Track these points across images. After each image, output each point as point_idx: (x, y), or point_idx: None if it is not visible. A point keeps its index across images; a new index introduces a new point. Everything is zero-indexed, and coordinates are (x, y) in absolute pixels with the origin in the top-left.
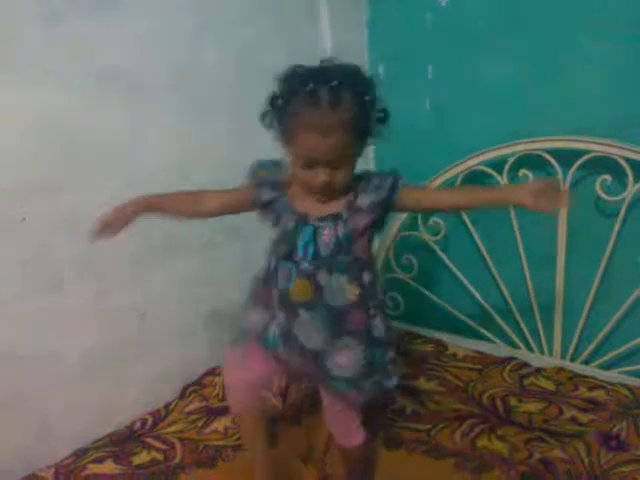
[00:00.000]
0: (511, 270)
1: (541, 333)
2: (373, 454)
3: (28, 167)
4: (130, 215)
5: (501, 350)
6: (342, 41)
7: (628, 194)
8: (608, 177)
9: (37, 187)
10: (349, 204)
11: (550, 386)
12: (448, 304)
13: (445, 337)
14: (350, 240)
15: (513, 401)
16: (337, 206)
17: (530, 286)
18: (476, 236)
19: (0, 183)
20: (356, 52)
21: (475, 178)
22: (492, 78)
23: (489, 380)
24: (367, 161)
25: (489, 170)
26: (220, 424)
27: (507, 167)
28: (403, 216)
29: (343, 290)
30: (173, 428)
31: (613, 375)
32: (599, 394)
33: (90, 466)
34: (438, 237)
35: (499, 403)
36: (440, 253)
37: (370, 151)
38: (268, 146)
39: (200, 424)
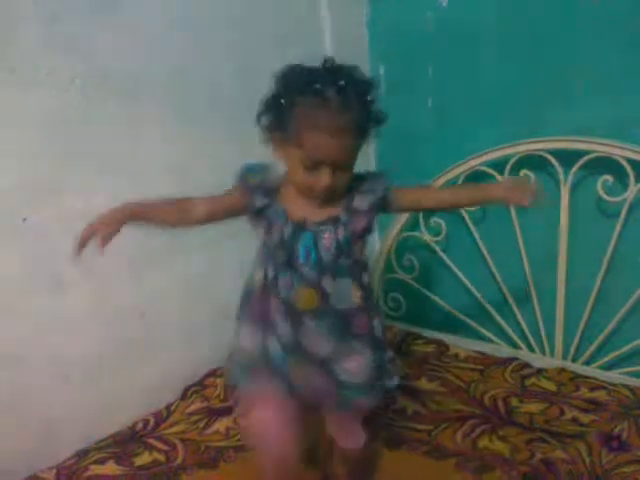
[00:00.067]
0: (512, 270)
1: (542, 334)
2: (374, 454)
3: (29, 167)
4: (116, 225)
5: (502, 351)
6: (343, 41)
7: (629, 194)
8: (609, 177)
9: (38, 188)
10: (347, 206)
11: (551, 387)
12: (449, 304)
13: (446, 338)
14: (350, 243)
15: (514, 402)
16: (335, 209)
17: (531, 287)
18: (477, 236)
19: (1, 183)
20: (357, 52)
21: (476, 178)
22: (493, 78)
23: (490, 381)
24: (368, 161)
25: (490, 170)
26: (222, 425)
27: (508, 167)
28: (404, 217)
29: (348, 294)
30: (175, 429)
31: (614, 376)
32: (600, 395)
33: (92, 467)
34: (439, 237)
35: (500, 404)
36: (441, 253)
37: (371, 151)
38: (267, 148)
39: (202, 425)
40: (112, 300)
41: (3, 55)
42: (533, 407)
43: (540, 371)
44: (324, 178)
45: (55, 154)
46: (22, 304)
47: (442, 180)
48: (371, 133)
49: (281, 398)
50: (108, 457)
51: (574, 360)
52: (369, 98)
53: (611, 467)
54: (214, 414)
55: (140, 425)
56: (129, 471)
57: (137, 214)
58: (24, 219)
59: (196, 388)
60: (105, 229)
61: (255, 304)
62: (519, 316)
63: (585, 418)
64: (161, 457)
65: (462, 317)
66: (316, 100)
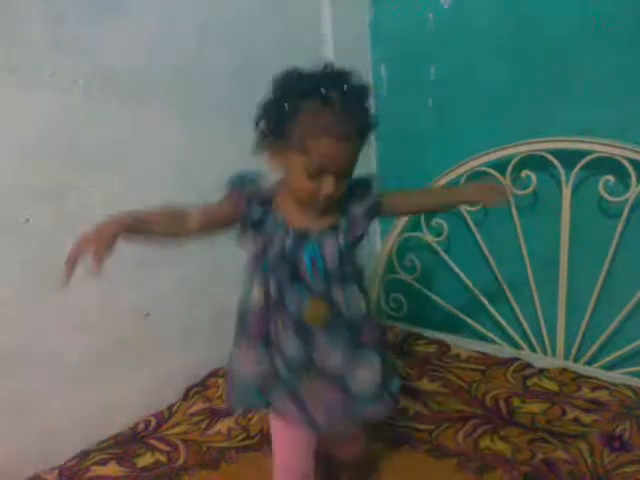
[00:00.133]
0: (514, 271)
1: (544, 334)
2: (372, 454)
3: (32, 168)
4: (108, 241)
5: (504, 351)
6: (345, 42)
7: (631, 195)
8: (611, 178)
9: (41, 188)
10: (346, 213)
11: (553, 387)
12: (451, 305)
13: (448, 338)
14: (350, 249)
15: (516, 402)
16: (333, 217)
17: (533, 287)
18: (479, 237)
19: (4, 184)
20: (359, 53)
21: (478, 179)
22: (494, 78)
23: (492, 381)
24: (369, 162)
25: (492, 171)
26: (223, 425)
27: (510, 168)
28: (405, 217)
29: (357, 301)
30: (176, 430)
31: (616, 376)
32: (602, 395)
33: (93, 468)
34: (441, 238)
35: (502, 404)
36: (443, 254)
37: (372, 152)
38: (262, 155)
39: (203, 426)
40: (114, 301)
41: (6, 55)
42: (535, 407)
43: (542, 371)
44: (328, 185)
45: (58, 154)
46: (24, 304)
47: (443, 181)
48: (369, 139)
49: (298, 424)
50: (110, 458)
51: (576, 360)
52: (368, 103)
53: (613, 467)
54: (216, 415)
55: (142, 426)
56: (131, 472)
57: (129, 226)
58: (27, 220)
59: (198, 389)
60: (97, 246)
61: (255, 325)
62: (521, 316)
63: (587, 418)
64: (163, 458)
65: (464, 317)
66: (322, 105)
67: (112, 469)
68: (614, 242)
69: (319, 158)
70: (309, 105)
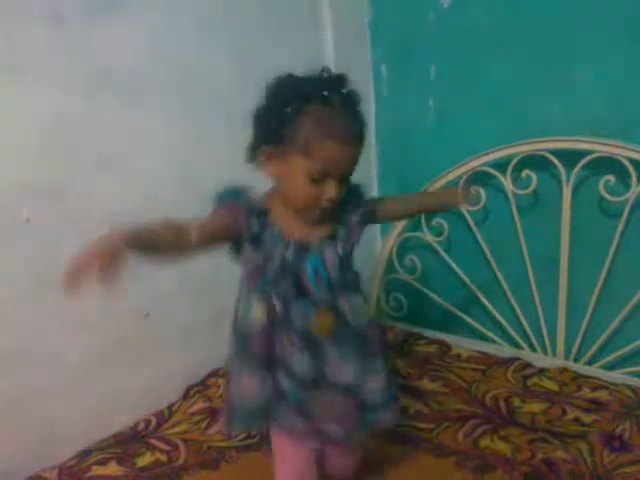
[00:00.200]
0: (514, 270)
1: (544, 334)
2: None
3: (32, 167)
4: (114, 254)
5: (504, 351)
6: (345, 42)
7: (632, 194)
8: (612, 177)
9: (42, 187)
10: (344, 221)
11: (553, 387)
12: (451, 305)
13: (448, 338)
14: (348, 256)
15: (516, 401)
16: (329, 224)
17: (533, 286)
18: (479, 237)
19: (5, 183)
20: (359, 53)
21: (479, 179)
22: (495, 78)
23: (492, 380)
24: (369, 162)
25: (492, 171)
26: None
27: (510, 168)
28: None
29: (361, 308)
30: (177, 429)
31: (616, 376)
32: (602, 395)
33: (94, 467)
34: (441, 238)
35: (502, 403)
36: (443, 254)
37: (373, 152)
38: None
39: (204, 425)
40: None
41: (7, 55)
42: (535, 407)
43: (542, 371)
44: (331, 190)
45: (58, 154)
46: (24, 304)
47: (443, 181)
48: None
49: (303, 441)
50: (110, 457)
51: (576, 360)
52: (361, 107)
53: (613, 467)
54: (216, 414)
55: (142, 425)
56: (130, 472)
57: (131, 241)
58: (27, 219)
59: (198, 388)
60: (102, 262)
61: (258, 344)
62: (521, 316)
63: (587, 418)
64: (163, 457)
65: (464, 317)
66: (325, 108)
67: (112, 468)
68: (614, 242)
69: (324, 161)
70: (312, 108)
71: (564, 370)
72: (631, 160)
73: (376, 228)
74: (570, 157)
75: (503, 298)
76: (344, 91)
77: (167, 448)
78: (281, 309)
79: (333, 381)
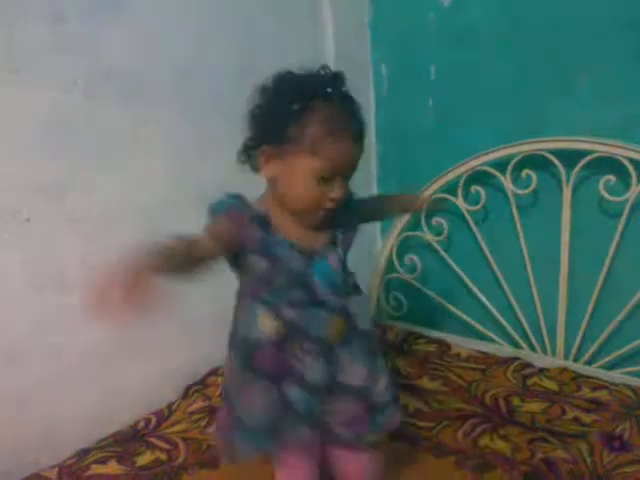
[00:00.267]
0: (514, 270)
1: (544, 333)
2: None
3: (32, 167)
4: (139, 284)
5: (504, 350)
6: (345, 42)
7: (632, 194)
8: (612, 177)
9: (42, 187)
10: (343, 224)
11: (553, 386)
12: (451, 304)
13: (448, 337)
14: (346, 257)
15: (516, 401)
16: (328, 227)
17: (533, 286)
18: (479, 236)
19: (5, 183)
20: (359, 53)
21: (478, 178)
22: (495, 78)
23: (492, 380)
24: (369, 163)
25: (492, 170)
26: None
27: (510, 167)
28: (406, 216)
29: (366, 309)
30: (176, 428)
31: (616, 375)
32: (602, 394)
33: (93, 466)
34: (441, 237)
35: (502, 403)
36: (443, 253)
37: (372, 151)
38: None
39: (203, 424)
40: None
41: (6, 55)
42: (534, 406)
43: (542, 371)
44: (339, 190)
45: (58, 154)
46: (25, 303)
47: (443, 180)
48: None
49: (307, 454)
50: (110, 456)
51: (576, 360)
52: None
53: (612, 467)
54: (216, 413)
55: (142, 424)
56: (130, 471)
57: (150, 264)
58: (28, 219)
59: (197, 387)
60: (126, 291)
61: (264, 358)
62: (521, 316)
63: (587, 418)
64: (163, 456)
65: (464, 317)
66: (331, 105)
67: (112, 467)
68: (614, 242)
69: (334, 160)
70: (318, 106)
71: (564, 370)
72: (631, 160)
73: (376, 228)
74: (570, 157)
75: (503, 298)
76: (344, 89)
77: (167, 447)
78: (293, 318)
79: (346, 385)
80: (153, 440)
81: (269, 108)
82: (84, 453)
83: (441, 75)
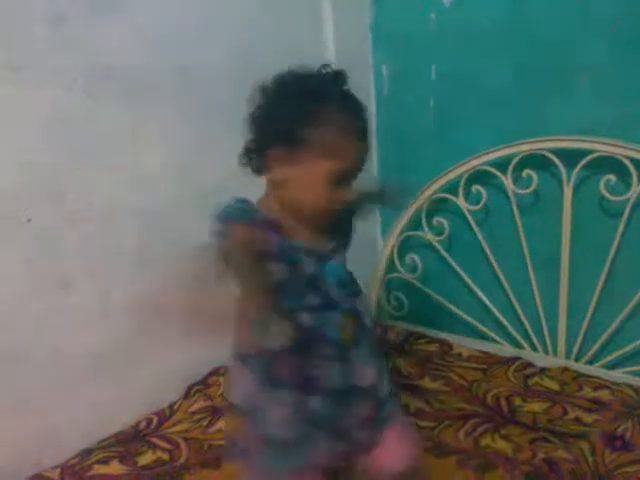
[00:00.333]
0: (515, 270)
1: (545, 333)
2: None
3: (33, 167)
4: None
5: (505, 350)
6: (346, 43)
7: (632, 194)
8: (612, 177)
9: (42, 188)
10: (344, 223)
11: (554, 386)
12: (452, 304)
13: (449, 337)
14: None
15: (517, 401)
16: (335, 229)
17: (534, 286)
18: (480, 236)
19: (5, 184)
20: (360, 53)
21: (479, 178)
22: (496, 78)
23: (493, 380)
24: (370, 163)
25: (493, 170)
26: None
27: (511, 167)
28: (406, 216)
29: (369, 307)
30: (178, 428)
31: (618, 375)
32: (604, 394)
33: (95, 466)
34: (442, 237)
35: (503, 403)
36: (444, 253)
37: (374, 151)
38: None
39: (205, 423)
40: (115, 299)
41: (7, 54)
42: (536, 406)
43: (543, 370)
44: (350, 191)
45: (59, 153)
46: (27, 304)
47: (444, 180)
48: None
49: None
50: (112, 456)
51: (577, 359)
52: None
53: (614, 467)
54: (217, 413)
55: (143, 424)
56: (132, 471)
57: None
58: (29, 219)
59: (199, 387)
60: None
61: (280, 367)
62: (522, 315)
63: (588, 418)
64: (165, 456)
65: (465, 316)
66: (347, 106)
67: (114, 467)
68: (615, 241)
69: (348, 162)
70: (333, 107)
71: (565, 369)
72: (632, 160)
73: (377, 228)
74: (571, 156)
75: (504, 297)
76: (348, 87)
77: (169, 447)
78: (310, 323)
79: (360, 386)
80: (155, 440)
81: (279, 109)
82: (86, 453)
83: (442, 75)
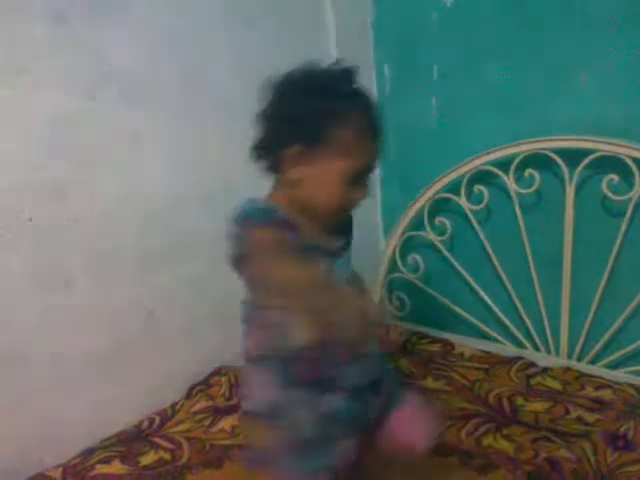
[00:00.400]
0: (517, 270)
1: (548, 333)
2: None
3: (34, 167)
4: None
5: (508, 350)
6: (348, 42)
7: (635, 194)
8: (615, 176)
9: (44, 187)
10: (350, 223)
11: (556, 386)
12: (454, 304)
13: (452, 337)
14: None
15: (519, 400)
16: (345, 228)
17: (536, 286)
18: (482, 236)
19: (7, 183)
20: (362, 53)
21: (481, 178)
22: (498, 77)
23: (495, 379)
24: None
25: (495, 170)
26: (227, 423)
27: (513, 167)
28: (409, 216)
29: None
30: (180, 427)
31: (620, 374)
32: (606, 394)
33: (97, 466)
34: (444, 237)
35: (505, 402)
36: (446, 253)
37: None
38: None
39: (207, 423)
40: (117, 299)
41: (10, 55)
42: (538, 406)
43: (545, 370)
44: (364, 190)
45: (60, 153)
46: (28, 304)
47: (446, 180)
48: None
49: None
50: (113, 456)
51: (579, 359)
52: None
53: (616, 466)
54: (219, 413)
55: (145, 424)
56: (134, 471)
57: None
58: (30, 219)
59: (201, 387)
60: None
61: (310, 369)
62: (524, 315)
63: (590, 417)
64: (167, 456)
65: (467, 316)
66: (366, 104)
67: (116, 467)
68: (618, 241)
69: (366, 161)
70: (354, 106)
71: (567, 369)
72: (634, 159)
73: (379, 228)
74: (573, 156)
75: (506, 297)
76: (359, 85)
77: (171, 447)
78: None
79: (374, 380)
80: (157, 440)
81: (298, 106)
82: (88, 453)
83: (444, 75)
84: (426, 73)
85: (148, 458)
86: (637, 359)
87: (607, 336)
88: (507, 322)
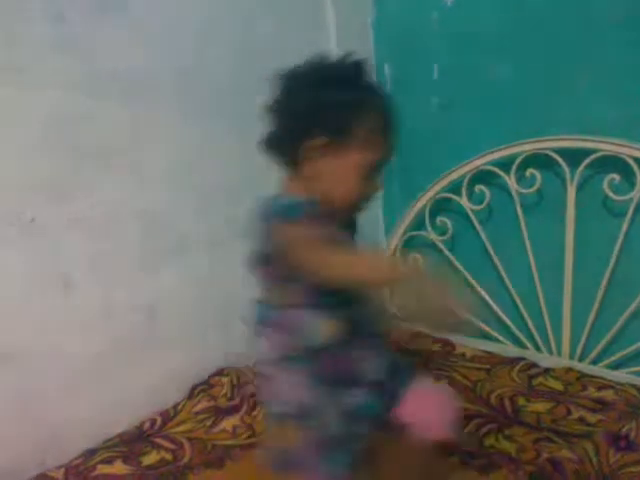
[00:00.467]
0: (519, 270)
1: (549, 333)
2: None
3: (36, 168)
4: None
5: (509, 350)
6: (348, 42)
7: (636, 193)
8: (616, 176)
9: (46, 187)
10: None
11: (558, 386)
12: None
13: (453, 337)
14: None
15: (521, 401)
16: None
17: (538, 286)
18: (483, 236)
19: (9, 184)
20: (362, 52)
21: (482, 178)
22: (498, 77)
23: (497, 380)
24: None
25: (496, 170)
26: (228, 423)
27: (514, 167)
28: (410, 216)
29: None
30: (182, 428)
31: (622, 375)
32: (608, 394)
33: (99, 466)
34: (445, 237)
35: (507, 403)
36: (447, 253)
37: None
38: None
39: (208, 423)
40: (118, 299)
41: (8, 55)
42: (540, 406)
43: (547, 371)
44: (378, 183)
45: (60, 154)
46: (30, 303)
47: (447, 180)
48: None
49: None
50: (115, 456)
51: (581, 359)
52: None
53: (618, 467)
54: (221, 413)
55: (147, 424)
56: (136, 471)
57: None
58: (32, 219)
59: (203, 387)
60: None
61: (337, 365)
62: (526, 315)
63: (592, 418)
64: (168, 456)
65: (469, 316)
66: (383, 97)
67: (118, 467)
68: (619, 241)
69: (385, 153)
70: (375, 98)
71: (569, 370)
72: (636, 159)
73: (380, 227)
74: (574, 156)
75: (507, 297)
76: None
77: (172, 447)
78: (352, 316)
79: (389, 372)
80: (159, 440)
81: (321, 98)
82: (90, 453)
83: (444, 74)
84: (427, 73)
85: (150, 458)
86: (639, 359)
87: (609, 336)
88: (509, 322)
